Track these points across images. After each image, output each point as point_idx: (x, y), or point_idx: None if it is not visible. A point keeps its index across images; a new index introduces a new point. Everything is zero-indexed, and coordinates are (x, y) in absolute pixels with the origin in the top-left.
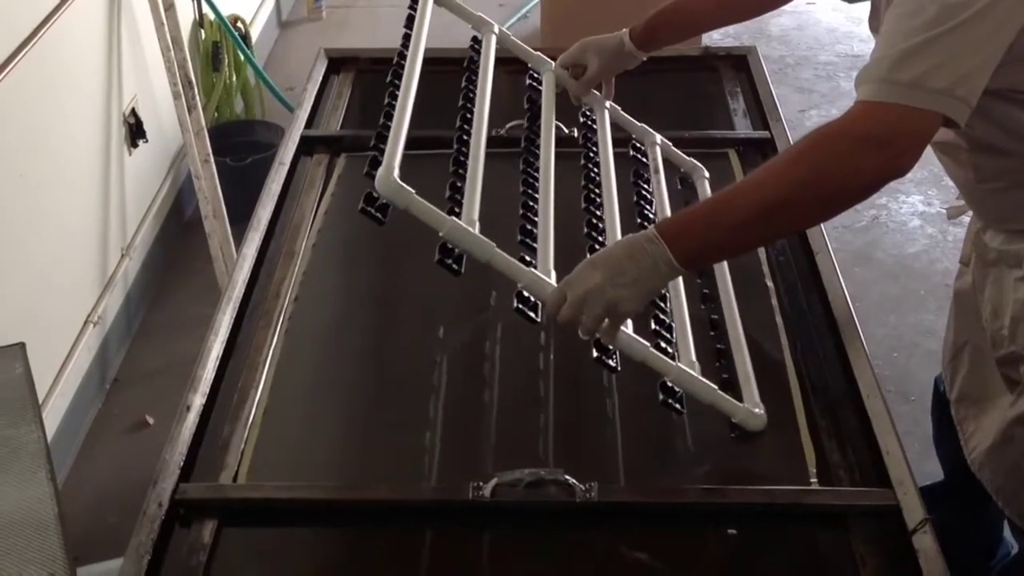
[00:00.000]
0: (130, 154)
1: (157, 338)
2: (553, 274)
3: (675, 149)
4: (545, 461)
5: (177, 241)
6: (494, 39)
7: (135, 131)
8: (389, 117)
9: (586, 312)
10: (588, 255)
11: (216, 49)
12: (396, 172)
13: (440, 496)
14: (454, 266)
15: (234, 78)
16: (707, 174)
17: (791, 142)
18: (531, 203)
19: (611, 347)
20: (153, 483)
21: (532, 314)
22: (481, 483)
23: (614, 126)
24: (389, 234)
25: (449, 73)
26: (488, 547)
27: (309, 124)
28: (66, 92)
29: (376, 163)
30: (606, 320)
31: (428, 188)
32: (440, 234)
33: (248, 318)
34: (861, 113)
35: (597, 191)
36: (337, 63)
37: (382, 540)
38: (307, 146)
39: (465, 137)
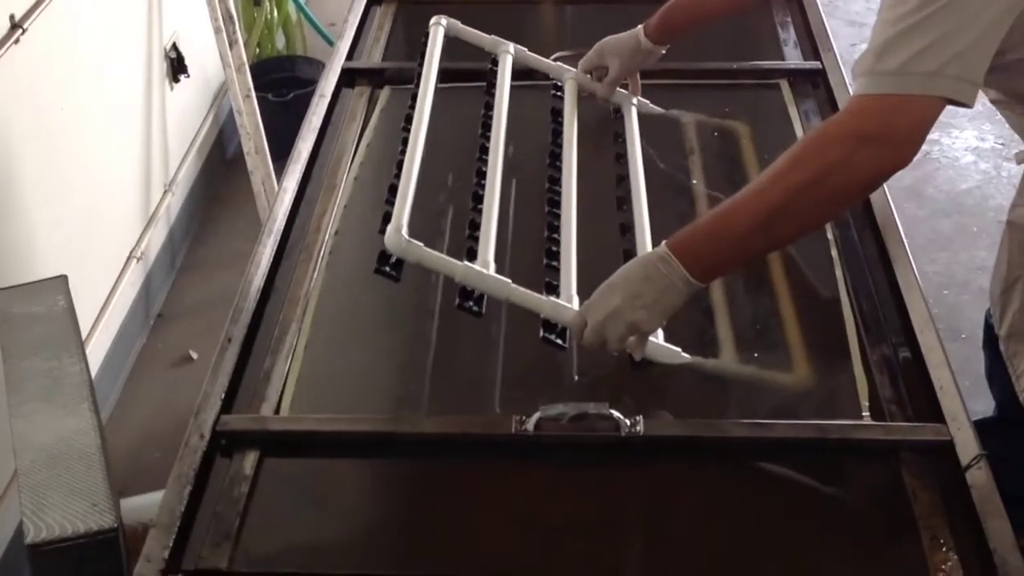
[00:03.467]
0: (172, 89)
1: (200, 274)
2: (575, 299)
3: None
4: (592, 395)
5: (219, 177)
6: (510, 59)
7: (176, 66)
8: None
9: (608, 335)
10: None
11: None
12: (405, 229)
13: (483, 429)
14: (475, 308)
15: (275, 13)
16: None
17: (844, 74)
18: (555, 222)
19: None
20: (195, 414)
21: (559, 340)
22: (524, 416)
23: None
24: (430, 166)
25: None
26: (531, 482)
27: (350, 56)
28: (106, 25)
29: (388, 218)
30: (631, 337)
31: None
32: (455, 280)
33: (289, 252)
34: (854, 109)
35: (626, 192)
36: None
37: (423, 473)
38: (348, 78)
39: (483, 168)
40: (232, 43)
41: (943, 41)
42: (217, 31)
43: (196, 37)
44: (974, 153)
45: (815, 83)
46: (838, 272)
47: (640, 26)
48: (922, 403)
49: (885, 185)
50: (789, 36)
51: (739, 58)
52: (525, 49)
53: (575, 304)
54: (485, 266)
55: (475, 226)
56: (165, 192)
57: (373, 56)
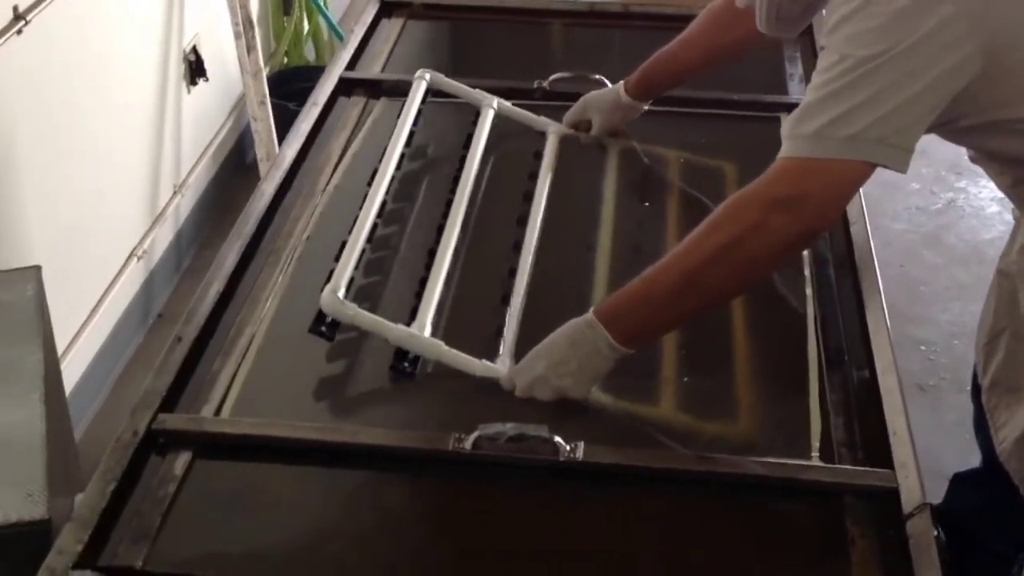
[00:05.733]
0: (189, 92)
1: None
2: (509, 363)
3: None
4: (531, 416)
5: (236, 183)
6: (491, 114)
7: (195, 69)
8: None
9: (537, 397)
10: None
11: None
12: (342, 291)
13: (421, 444)
14: (408, 369)
15: (306, 23)
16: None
17: None
18: (509, 281)
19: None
20: (132, 411)
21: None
22: (463, 435)
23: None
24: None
25: None
26: (466, 499)
27: (351, 66)
28: (118, 23)
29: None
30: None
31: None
32: (388, 340)
33: (258, 255)
34: (772, 173)
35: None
36: (390, 6)
37: (356, 484)
38: (346, 87)
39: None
40: (250, 49)
41: (865, 105)
42: (237, 36)
43: (219, 42)
44: (999, 203)
45: None
46: (809, 309)
47: (622, 81)
48: (874, 448)
49: (902, 229)
50: (796, 71)
51: (744, 90)
52: (508, 103)
53: (508, 366)
54: (421, 328)
55: (422, 285)
56: (174, 193)
57: (374, 68)
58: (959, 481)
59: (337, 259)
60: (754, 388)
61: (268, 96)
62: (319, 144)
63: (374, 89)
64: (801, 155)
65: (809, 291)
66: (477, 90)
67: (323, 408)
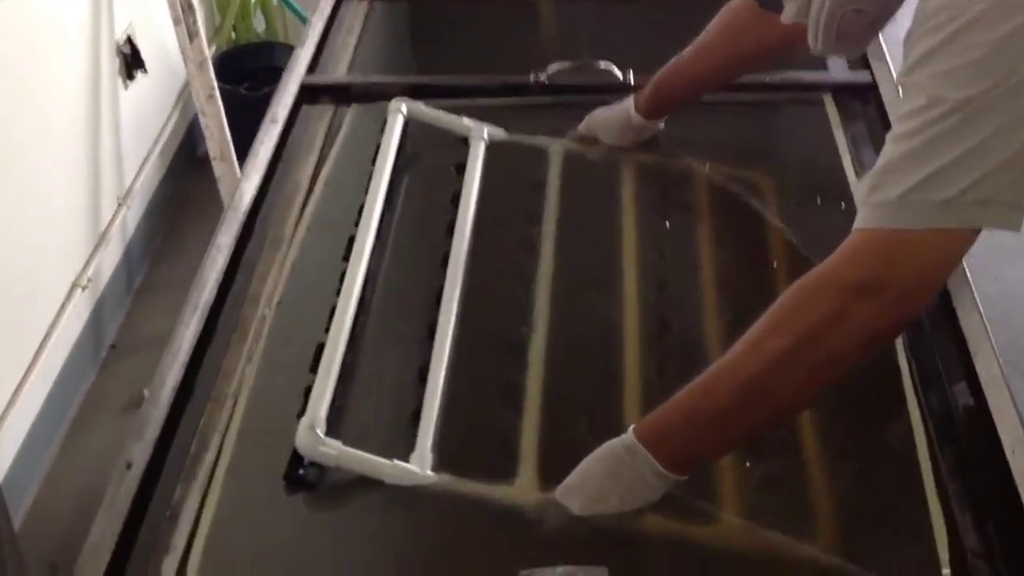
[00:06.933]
0: (126, 88)
1: (161, 296)
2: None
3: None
4: (582, 555)
5: (188, 182)
6: (483, 147)
7: (132, 61)
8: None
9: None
10: None
11: None
12: (322, 424)
13: None
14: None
15: None
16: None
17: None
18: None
19: None
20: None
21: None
22: None
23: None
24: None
25: None
26: None
27: (312, 68)
28: (41, 15)
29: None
30: None
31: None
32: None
33: (220, 330)
34: (848, 250)
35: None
36: None
37: None
38: (309, 95)
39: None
40: (192, 35)
41: (965, 160)
42: (176, 22)
43: (156, 28)
44: None
45: (865, 98)
46: (907, 386)
47: (631, 98)
48: (1018, 556)
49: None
50: None
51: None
52: (501, 131)
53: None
54: (422, 461)
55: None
56: (119, 206)
57: (339, 68)
58: None
59: (314, 367)
60: (847, 479)
61: (216, 88)
62: (283, 172)
63: (342, 95)
64: (884, 226)
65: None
66: (464, 119)
67: (315, 558)
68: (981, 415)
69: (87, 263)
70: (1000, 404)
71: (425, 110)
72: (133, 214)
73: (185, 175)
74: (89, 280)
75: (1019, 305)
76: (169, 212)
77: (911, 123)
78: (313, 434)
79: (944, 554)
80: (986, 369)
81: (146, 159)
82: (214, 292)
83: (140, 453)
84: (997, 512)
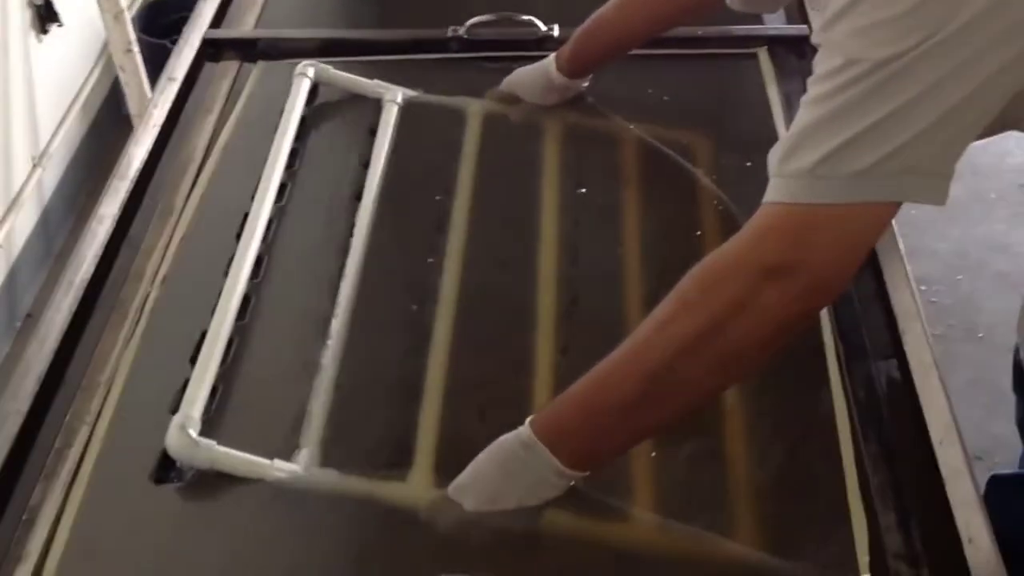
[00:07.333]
0: (40, 41)
1: None
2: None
3: None
4: (477, 565)
5: (113, 140)
6: (395, 110)
7: (45, 14)
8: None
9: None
10: None
11: None
12: (196, 425)
13: None
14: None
15: None
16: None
17: None
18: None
19: None
20: None
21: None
22: None
23: None
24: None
25: None
26: None
27: (217, 22)
28: None
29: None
30: None
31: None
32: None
33: (98, 310)
34: (757, 227)
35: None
36: None
37: None
38: (211, 51)
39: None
40: None
41: (886, 125)
42: None
43: None
44: None
45: (801, 52)
46: (830, 363)
47: (552, 56)
48: (944, 561)
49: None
50: None
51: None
52: (417, 93)
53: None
54: (307, 459)
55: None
56: (34, 167)
57: (247, 20)
58: (1001, 486)
59: (195, 357)
60: (763, 471)
61: (135, 41)
62: (179, 136)
63: (248, 51)
64: (796, 201)
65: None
66: (376, 81)
67: (186, 564)
68: (909, 401)
69: None
70: (929, 390)
71: (334, 73)
72: (51, 176)
73: (110, 134)
74: (0, 245)
75: (970, 264)
76: (93, 173)
77: (826, 85)
78: (184, 435)
79: (864, 557)
80: (916, 352)
81: (64, 117)
82: (91, 269)
83: None
84: (922, 510)
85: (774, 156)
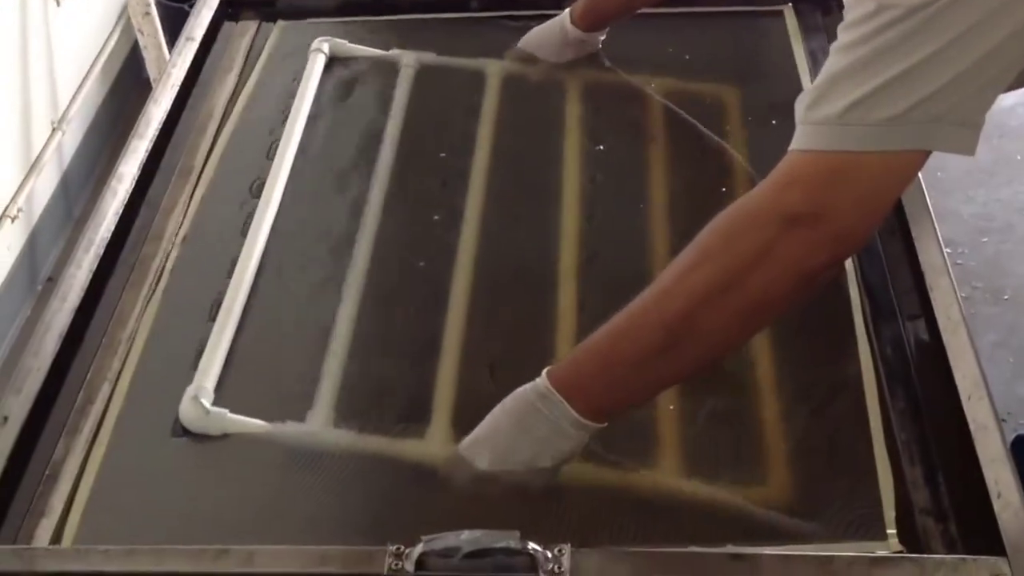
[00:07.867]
0: (58, 5)
1: None
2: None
3: None
4: (497, 520)
5: (133, 105)
6: (411, 74)
7: None
8: None
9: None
10: None
11: None
12: (209, 395)
13: (343, 568)
14: None
15: None
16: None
17: None
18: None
19: None
20: None
21: None
22: (402, 547)
23: None
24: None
25: None
26: None
27: None
28: None
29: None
30: None
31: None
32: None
33: (118, 269)
34: (782, 175)
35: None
36: None
37: None
38: (231, 9)
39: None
40: None
41: (915, 74)
42: None
43: None
44: None
45: (827, 8)
46: (858, 322)
47: (567, 11)
48: (972, 516)
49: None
50: None
51: None
52: (433, 55)
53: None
54: (325, 419)
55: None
56: (53, 131)
57: None
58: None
59: (213, 316)
60: (789, 428)
61: (153, 4)
62: (198, 95)
63: (267, 10)
64: (824, 148)
65: (854, 294)
66: (394, 50)
67: (206, 518)
68: (937, 358)
69: (17, 192)
70: (957, 346)
71: (349, 47)
72: (70, 139)
73: (130, 98)
74: (20, 211)
75: (996, 226)
76: (113, 137)
77: (857, 31)
78: (198, 406)
79: (890, 512)
80: (944, 308)
81: (84, 80)
82: (111, 227)
83: (18, 407)
84: (950, 466)
85: (801, 104)
